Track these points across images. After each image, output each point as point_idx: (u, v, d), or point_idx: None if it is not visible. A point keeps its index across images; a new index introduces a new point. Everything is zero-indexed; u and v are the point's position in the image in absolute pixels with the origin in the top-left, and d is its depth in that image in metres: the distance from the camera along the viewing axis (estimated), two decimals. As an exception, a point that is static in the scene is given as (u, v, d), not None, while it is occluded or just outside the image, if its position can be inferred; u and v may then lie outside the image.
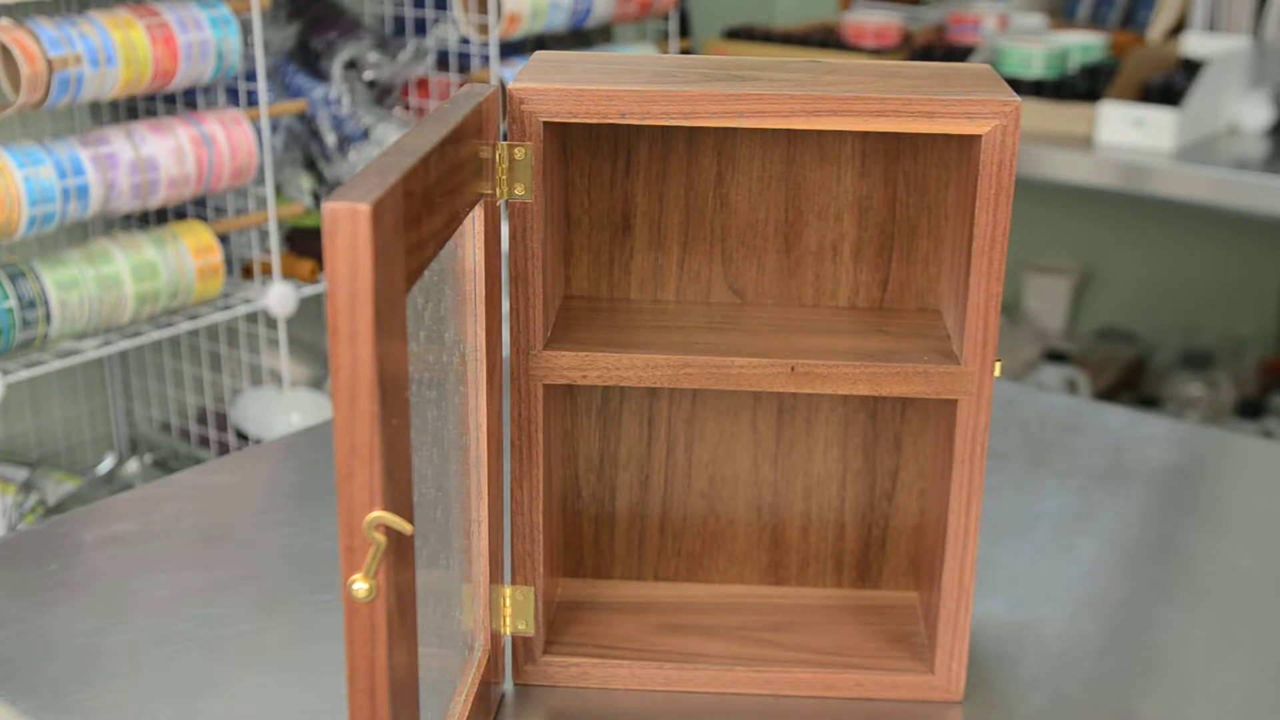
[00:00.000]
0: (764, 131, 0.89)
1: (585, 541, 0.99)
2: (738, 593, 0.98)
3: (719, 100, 0.78)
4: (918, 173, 0.90)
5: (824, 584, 0.98)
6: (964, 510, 0.84)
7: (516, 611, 0.86)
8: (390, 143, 2.05)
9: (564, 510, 0.97)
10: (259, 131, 1.84)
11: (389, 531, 0.57)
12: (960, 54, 2.51)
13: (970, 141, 0.81)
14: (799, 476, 0.96)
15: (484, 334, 0.79)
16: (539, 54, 0.89)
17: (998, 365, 0.82)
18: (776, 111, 0.78)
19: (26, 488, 1.89)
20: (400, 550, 0.59)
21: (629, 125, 0.83)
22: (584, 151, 0.91)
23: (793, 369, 0.82)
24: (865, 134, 0.88)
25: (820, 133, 0.88)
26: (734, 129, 0.89)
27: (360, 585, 0.56)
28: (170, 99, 1.94)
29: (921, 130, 0.77)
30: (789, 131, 0.89)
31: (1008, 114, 0.77)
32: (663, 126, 0.86)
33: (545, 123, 0.79)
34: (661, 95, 0.78)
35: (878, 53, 2.54)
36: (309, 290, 1.96)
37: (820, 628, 0.93)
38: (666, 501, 0.97)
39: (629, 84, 0.78)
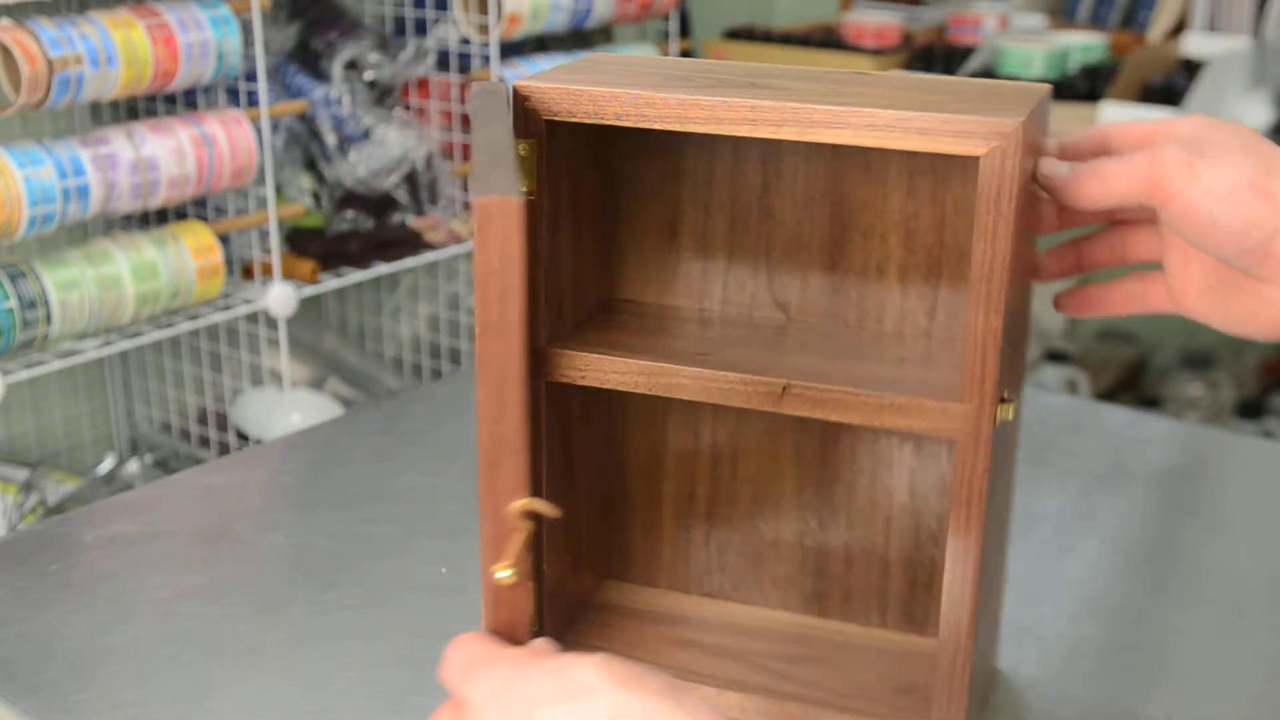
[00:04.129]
0: (809, 145, 0.85)
1: (635, 547, 0.97)
2: (778, 619, 0.94)
3: (710, 107, 0.75)
4: (967, 196, 0.84)
5: (868, 622, 0.93)
6: (961, 556, 0.77)
7: None
8: (391, 143, 2.06)
9: (608, 511, 0.96)
10: (259, 132, 1.84)
11: (530, 518, 0.58)
12: (960, 54, 2.51)
13: None
14: (842, 506, 0.92)
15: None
16: (589, 56, 0.86)
17: (1008, 407, 0.75)
18: (767, 120, 0.74)
19: (27, 488, 1.89)
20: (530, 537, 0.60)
21: (675, 130, 0.79)
22: (630, 153, 0.89)
23: (784, 389, 0.78)
24: (912, 153, 0.83)
25: (866, 149, 0.84)
26: (778, 140, 0.85)
27: (505, 573, 0.58)
28: (170, 99, 1.94)
29: (916, 148, 0.72)
30: (834, 146, 0.85)
31: (1007, 136, 0.70)
32: (711, 134, 0.81)
33: (579, 123, 0.78)
34: (656, 99, 0.76)
35: (878, 53, 2.54)
36: (309, 290, 1.96)
37: (842, 667, 0.89)
38: (711, 516, 0.95)
39: (632, 86, 0.78)
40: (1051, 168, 0.76)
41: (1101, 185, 0.73)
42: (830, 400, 0.78)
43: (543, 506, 0.58)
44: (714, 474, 0.94)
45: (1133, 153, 0.73)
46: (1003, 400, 0.75)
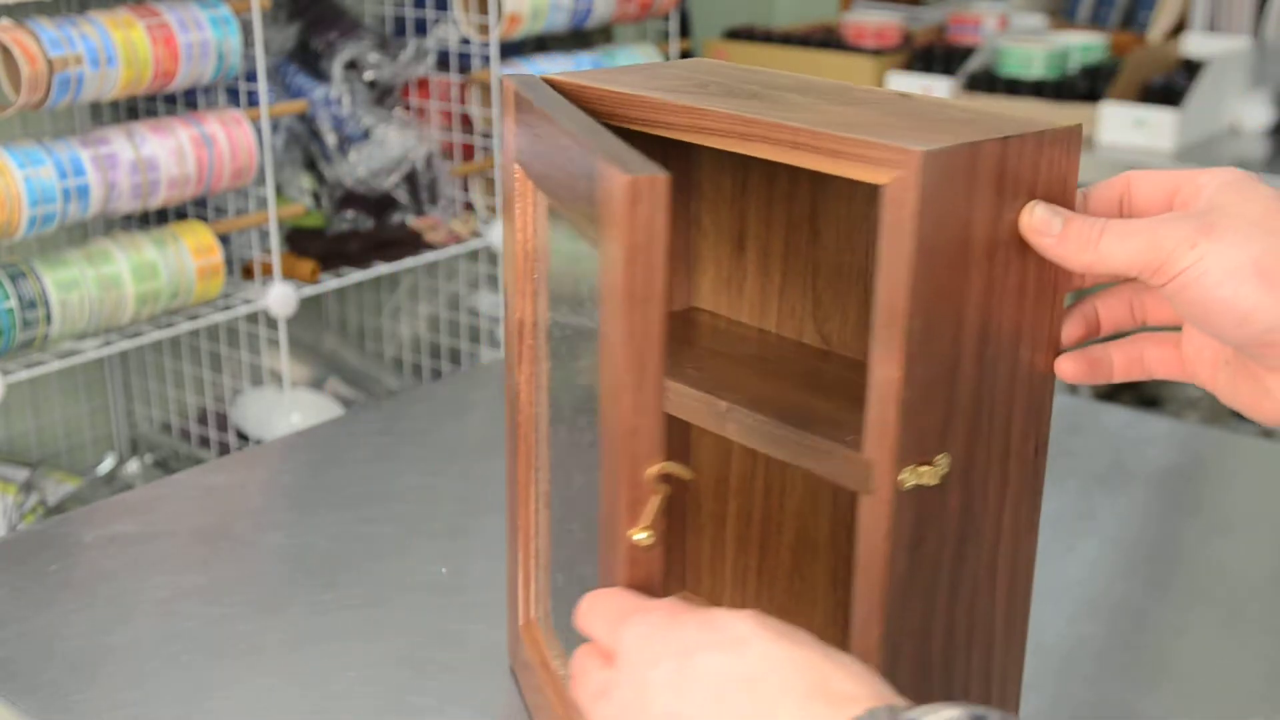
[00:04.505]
0: None
1: (703, 561, 0.96)
2: None
3: (675, 111, 0.73)
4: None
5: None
6: (862, 628, 0.69)
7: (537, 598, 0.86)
8: (391, 143, 2.06)
9: (675, 521, 0.94)
10: (259, 132, 1.84)
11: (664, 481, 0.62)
12: (960, 54, 2.51)
13: None
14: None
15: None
16: (637, 66, 0.84)
17: (926, 469, 0.66)
18: (714, 130, 0.71)
19: (27, 488, 1.89)
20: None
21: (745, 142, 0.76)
22: (709, 162, 0.88)
23: (725, 409, 0.76)
24: None
25: None
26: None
27: (643, 535, 0.61)
28: (170, 99, 1.94)
29: (828, 170, 0.66)
30: None
31: (908, 165, 0.61)
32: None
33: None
34: (632, 100, 0.75)
35: (878, 53, 2.54)
36: (309, 290, 1.96)
37: None
38: (763, 544, 0.93)
39: (626, 87, 0.77)
40: (1040, 221, 0.66)
41: (1095, 256, 0.65)
42: (758, 431, 0.75)
43: (678, 469, 0.61)
44: (765, 501, 0.92)
45: (1136, 222, 0.65)
46: (924, 463, 0.66)
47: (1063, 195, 0.67)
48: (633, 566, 0.62)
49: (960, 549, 0.68)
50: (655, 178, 0.57)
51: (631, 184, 0.57)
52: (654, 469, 0.61)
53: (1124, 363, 0.72)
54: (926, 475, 0.66)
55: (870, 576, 0.68)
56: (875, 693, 0.53)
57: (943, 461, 0.67)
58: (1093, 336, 0.73)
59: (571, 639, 0.81)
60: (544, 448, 0.83)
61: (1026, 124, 0.66)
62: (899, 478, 0.65)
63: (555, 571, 0.84)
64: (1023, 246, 0.66)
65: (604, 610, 0.61)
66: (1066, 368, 0.71)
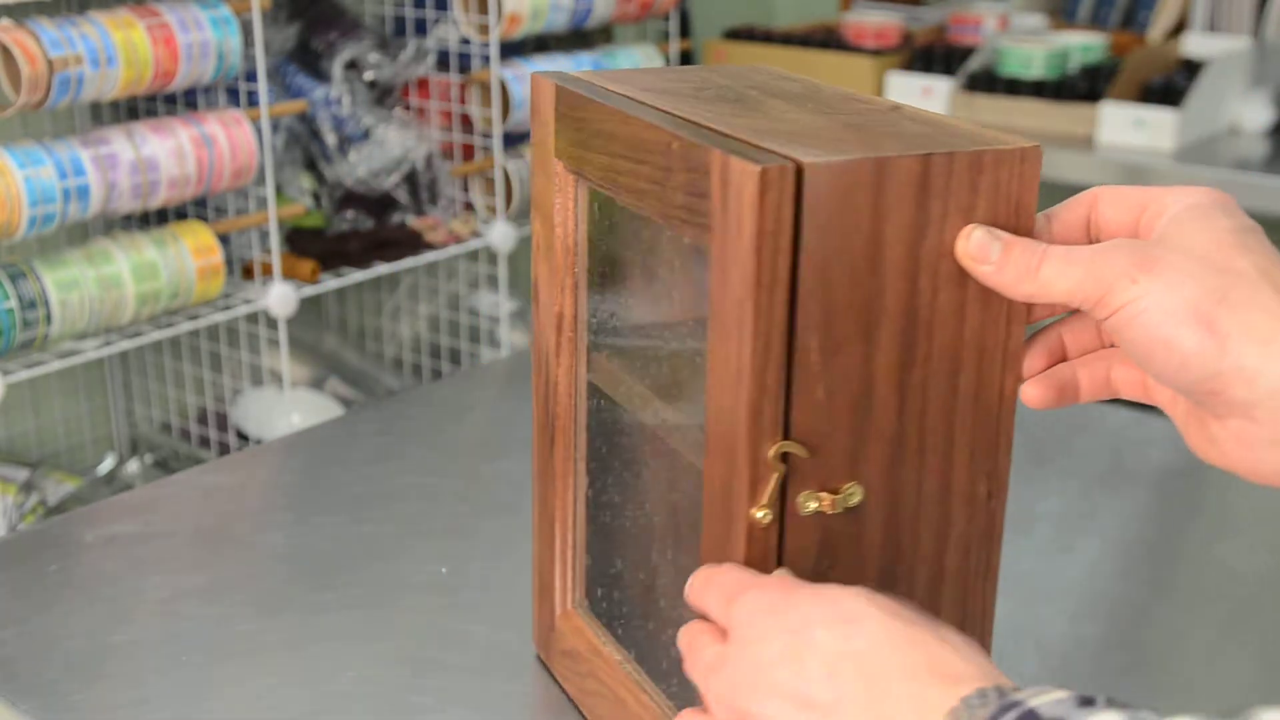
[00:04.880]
0: None
1: None
2: None
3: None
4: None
5: None
6: None
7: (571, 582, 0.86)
8: (391, 143, 2.06)
9: None
10: (259, 132, 1.84)
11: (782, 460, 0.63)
12: (960, 55, 2.51)
13: None
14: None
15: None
16: (659, 70, 0.84)
17: (828, 497, 0.64)
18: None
19: (27, 488, 1.89)
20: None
21: None
22: None
23: (639, 393, 0.78)
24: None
25: None
26: None
27: (763, 513, 0.63)
28: (170, 99, 1.94)
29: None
30: None
31: (774, 178, 0.58)
32: None
33: None
34: (593, 98, 0.75)
35: (878, 53, 2.54)
36: (309, 290, 1.96)
37: None
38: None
39: (615, 85, 0.76)
40: (977, 248, 0.61)
41: (1035, 286, 0.61)
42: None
43: (797, 448, 0.63)
44: None
45: (1078, 250, 0.61)
46: (830, 490, 0.64)
47: (1014, 220, 0.63)
48: (751, 544, 0.64)
49: (883, 588, 0.64)
50: (784, 167, 0.59)
51: (762, 174, 0.58)
52: (775, 448, 0.62)
53: (1090, 383, 0.67)
54: (827, 503, 0.64)
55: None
56: (985, 672, 0.54)
57: (851, 491, 0.64)
58: (1058, 362, 0.68)
59: (627, 622, 0.81)
60: (583, 438, 0.83)
61: (978, 141, 0.63)
62: (797, 500, 0.64)
63: (607, 558, 0.84)
64: (962, 270, 0.63)
65: (718, 586, 0.62)
66: (1031, 393, 0.66)
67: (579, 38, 2.42)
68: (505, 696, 0.88)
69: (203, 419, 2.15)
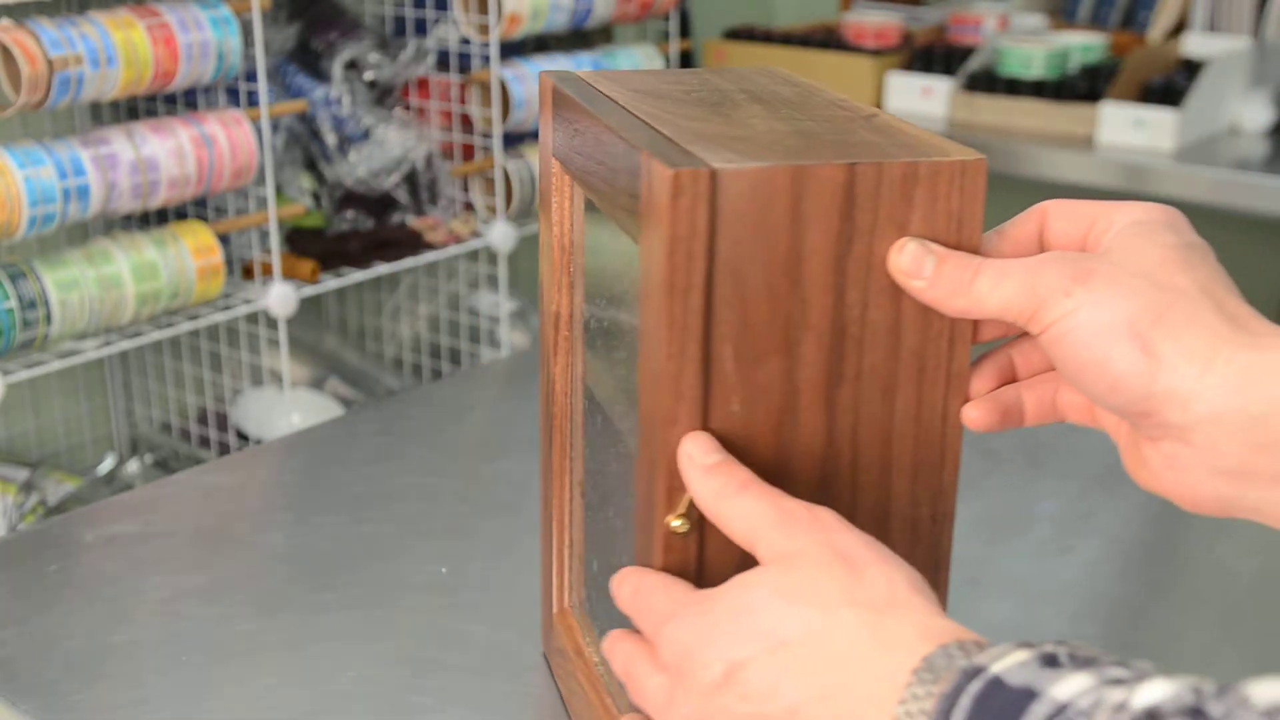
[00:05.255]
0: None
1: None
2: None
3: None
4: None
5: None
6: None
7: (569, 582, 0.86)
8: (391, 143, 2.06)
9: None
10: (259, 132, 1.84)
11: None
12: (960, 54, 2.51)
13: None
14: None
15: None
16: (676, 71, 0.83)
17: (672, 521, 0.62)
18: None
19: (27, 488, 1.89)
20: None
21: None
22: None
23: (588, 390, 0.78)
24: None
25: None
26: None
27: (678, 522, 0.61)
28: (170, 99, 1.94)
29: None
30: None
31: (700, 180, 0.57)
32: None
33: None
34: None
35: (878, 53, 2.54)
36: (309, 290, 1.96)
37: None
38: None
39: (607, 85, 0.76)
40: (910, 262, 0.59)
41: (969, 300, 0.58)
42: None
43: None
44: None
45: (1014, 263, 0.58)
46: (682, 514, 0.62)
47: (955, 236, 0.60)
48: (668, 553, 0.63)
49: None
50: (698, 171, 0.58)
51: (675, 177, 0.57)
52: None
53: (1036, 406, 0.64)
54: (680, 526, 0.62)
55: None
56: (924, 632, 0.52)
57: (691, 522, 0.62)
58: (1007, 383, 0.65)
59: (606, 624, 0.81)
60: (579, 437, 0.83)
61: (918, 152, 0.60)
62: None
63: (590, 559, 0.84)
64: (896, 285, 0.60)
65: (644, 611, 0.60)
66: (973, 416, 0.63)
67: (579, 38, 2.42)
68: (505, 696, 0.88)
69: (203, 419, 2.15)
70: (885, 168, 0.59)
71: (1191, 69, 2.39)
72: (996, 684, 0.47)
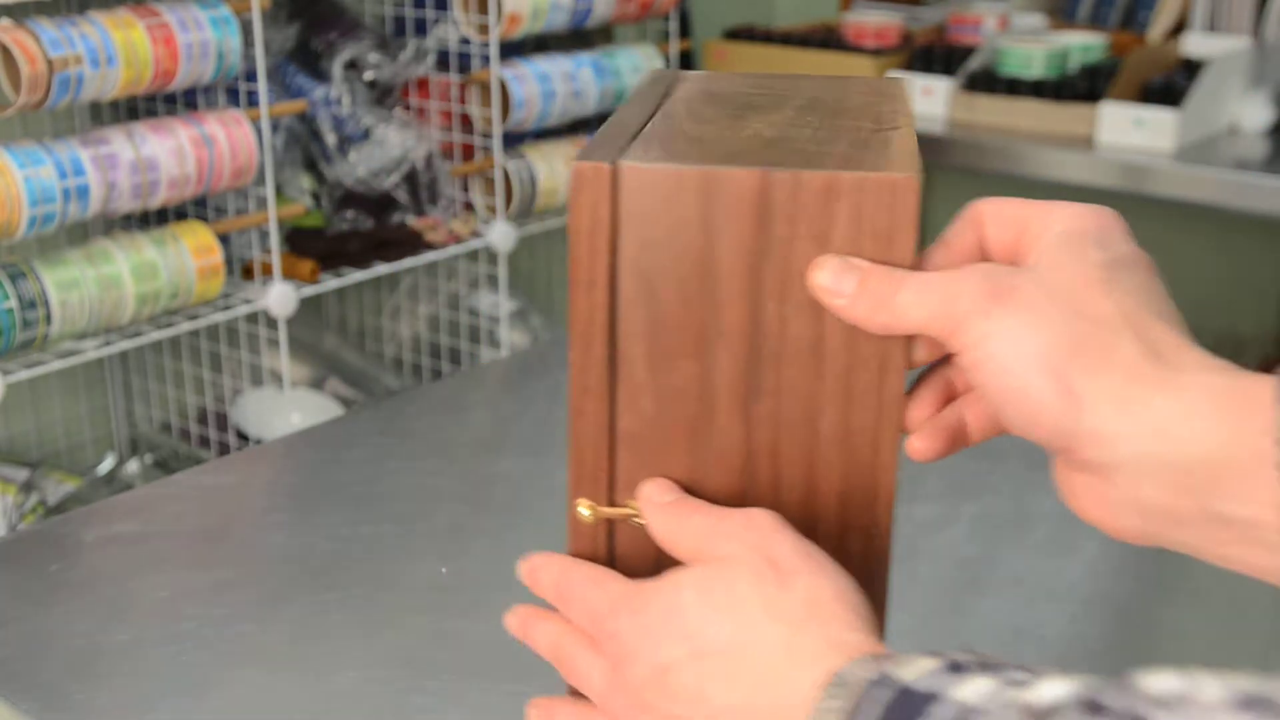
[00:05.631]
0: None
1: None
2: None
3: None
4: None
5: None
6: None
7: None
8: (391, 143, 2.06)
9: None
10: (259, 132, 1.84)
11: None
12: (960, 54, 2.51)
13: None
14: None
15: None
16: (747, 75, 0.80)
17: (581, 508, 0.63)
18: None
19: (27, 488, 1.89)
20: None
21: None
22: None
23: None
24: None
25: None
26: None
27: (585, 509, 0.62)
28: (170, 99, 1.94)
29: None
30: None
31: (602, 177, 0.58)
32: None
33: None
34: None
35: (878, 53, 2.54)
36: (309, 290, 1.96)
37: None
38: None
39: (691, 83, 0.74)
40: (831, 279, 0.56)
41: (891, 316, 0.56)
42: None
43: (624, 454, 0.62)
44: None
45: (937, 276, 0.55)
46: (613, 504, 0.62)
47: (883, 255, 0.57)
48: (578, 539, 0.63)
49: None
50: (600, 166, 0.57)
51: (578, 171, 0.57)
52: (597, 450, 0.62)
53: (978, 422, 0.60)
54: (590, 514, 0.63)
55: None
56: (836, 645, 0.52)
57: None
58: (944, 405, 0.62)
59: None
60: None
61: (851, 165, 0.57)
62: (622, 506, 0.62)
63: None
64: (817, 303, 0.58)
65: (578, 601, 0.61)
66: (919, 447, 0.60)
67: (579, 38, 2.42)
68: (505, 696, 0.88)
69: (203, 419, 2.15)
70: (804, 178, 0.56)
71: (1191, 69, 2.39)
72: (904, 692, 0.48)
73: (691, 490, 0.61)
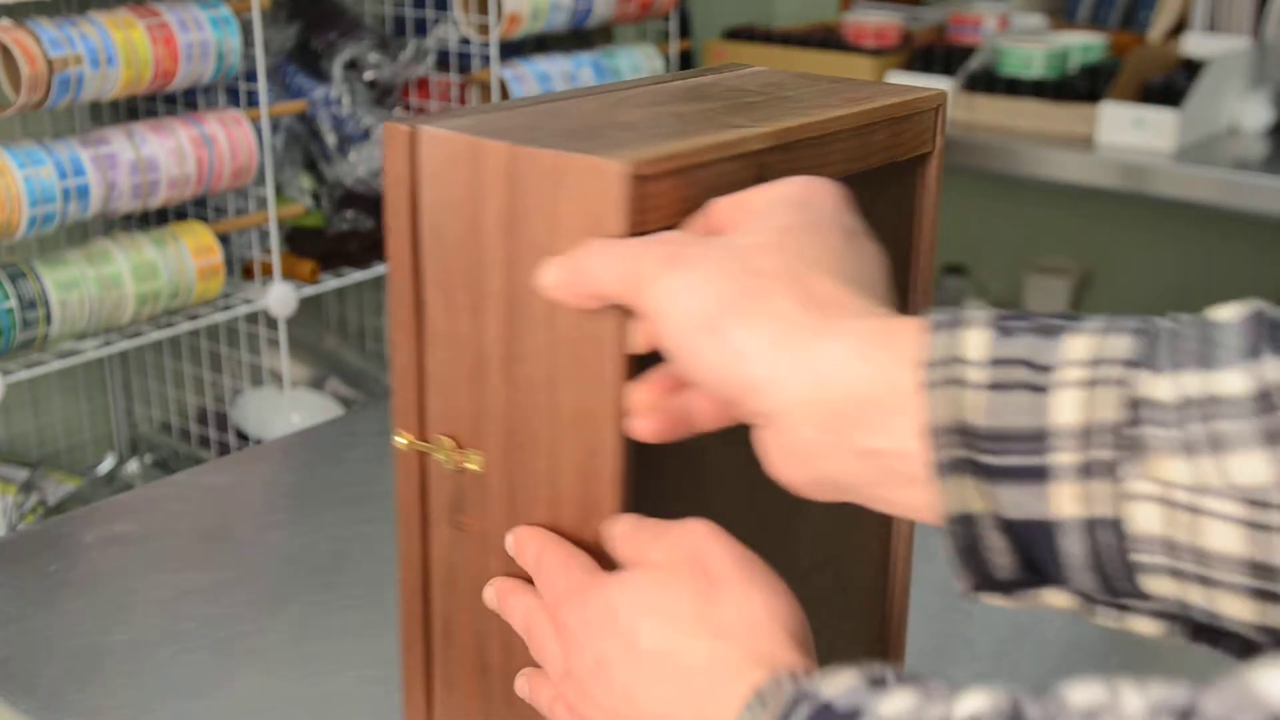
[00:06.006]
0: None
1: None
2: None
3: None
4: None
5: None
6: (408, 585, 0.74)
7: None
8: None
9: None
10: (259, 132, 1.84)
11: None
12: (960, 54, 2.51)
13: None
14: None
15: None
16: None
17: (455, 452, 0.66)
18: None
19: (27, 488, 1.89)
20: None
21: None
22: None
23: None
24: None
25: None
26: None
27: (401, 439, 0.67)
28: (170, 99, 1.94)
29: None
30: None
31: (402, 138, 0.64)
32: None
33: None
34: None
35: (878, 53, 2.54)
36: (309, 290, 1.96)
37: None
38: None
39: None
40: (546, 278, 0.59)
41: (584, 279, 0.57)
42: None
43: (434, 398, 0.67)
44: None
45: (626, 242, 0.57)
46: (457, 445, 0.66)
47: (598, 235, 0.58)
48: (397, 467, 0.70)
49: (509, 564, 0.66)
50: (400, 127, 0.63)
51: (386, 129, 0.64)
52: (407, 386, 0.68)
53: (706, 409, 0.59)
54: (453, 459, 0.66)
55: (408, 529, 0.72)
56: (760, 660, 0.53)
57: (473, 458, 0.65)
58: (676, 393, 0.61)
59: None
60: None
61: (600, 149, 0.58)
62: (429, 442, 0.67)
63: None
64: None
65: (547, 581, 0.62)
66: (640, 425, 0.59)
67: (579, 38, 2.42)
68: (505, 696, 0.88)
69: (203, 419, 2.15)
70: (538, 156, 0.59)
71: (1191, 69, 2.39)
72: (824, 709, 0.48)
73: (474, 436, 0.65)
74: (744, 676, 0.53)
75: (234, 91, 1.89)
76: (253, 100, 1.87)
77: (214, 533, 1.08)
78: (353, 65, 2.10)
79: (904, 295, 0.77)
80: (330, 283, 2.01)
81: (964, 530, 0.51)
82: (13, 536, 1.19)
